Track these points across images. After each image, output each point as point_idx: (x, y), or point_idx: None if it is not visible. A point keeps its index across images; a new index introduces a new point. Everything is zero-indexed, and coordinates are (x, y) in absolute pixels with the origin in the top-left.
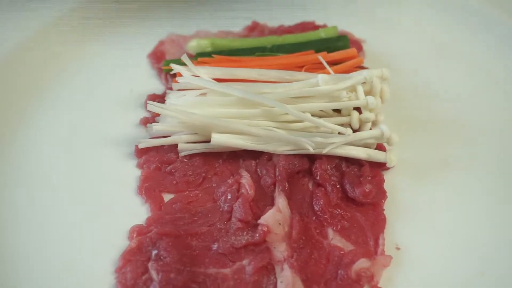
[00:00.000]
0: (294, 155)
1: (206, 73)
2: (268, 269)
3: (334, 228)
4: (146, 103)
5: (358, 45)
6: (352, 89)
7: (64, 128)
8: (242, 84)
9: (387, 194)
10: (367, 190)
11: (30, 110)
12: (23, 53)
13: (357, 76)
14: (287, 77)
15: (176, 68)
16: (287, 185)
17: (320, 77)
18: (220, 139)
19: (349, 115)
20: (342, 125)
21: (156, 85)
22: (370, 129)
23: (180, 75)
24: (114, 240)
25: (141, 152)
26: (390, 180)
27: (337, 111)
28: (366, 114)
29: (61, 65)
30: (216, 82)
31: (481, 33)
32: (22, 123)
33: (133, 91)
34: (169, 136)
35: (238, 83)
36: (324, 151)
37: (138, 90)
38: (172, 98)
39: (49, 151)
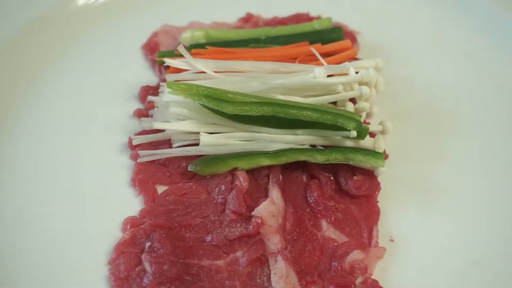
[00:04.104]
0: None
1: (201, 65)
2: (262, 261)
3: (328, 220)
4: (139, 95)
5: (352, 36)
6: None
7: (57, 120)
8: (237, 75)
9: (381, 186)
10: (355, 178)
11: (23, 101)
12: (14, 45)
13: (356, 75)
14: (281, 69)
15: (170, 63)
16: (281, 176)
17: (317, 70)
18: (209, 141)
19: (343, 106)
20: None
21: (150, 77)
22: (365, 121)
23: (175, 70)
24: (108, 232)
25: (134, 144)
26: (383, 172)
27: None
28: (361, 104)
29: (54, 57)
30: (214, 73)
31: (476, 24)
32: (14, 115)
33: (127, 81)
34: (163, 131)
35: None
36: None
37: (132, 82)
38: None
39: (42, 142)
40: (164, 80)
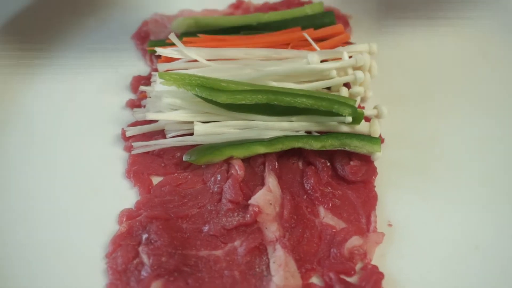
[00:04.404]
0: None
1: (193, 54)
2: (260, 249)
3: (326, 206)
4: (131, 85)
5: (344, 20)
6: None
7: (49, 111)
8: (230, 63)
9: (378, 170)
10: (352, 164)
11: (14, 93)
12: (3, 36)
13: (349, 60)
14: (274, 55)
15: (162, 52)
16: (276, 164)
17: (310, 55)
18: (203, 130)
19: (337, 91)
20: None
21: (141, 67)
22: (360, 106)
23: (167, 59)
24: (104, 225)
25: (128, 135)
26: (380, 157)
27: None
28: (355, 89)
29: (44, 48)
30: (207, 61)
31: (469, 5)
32: (6, 107)
33: (119, 71)
34: (156, 121)
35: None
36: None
37: (123, 72)
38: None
39: (34, 135)
40: (156, 70)
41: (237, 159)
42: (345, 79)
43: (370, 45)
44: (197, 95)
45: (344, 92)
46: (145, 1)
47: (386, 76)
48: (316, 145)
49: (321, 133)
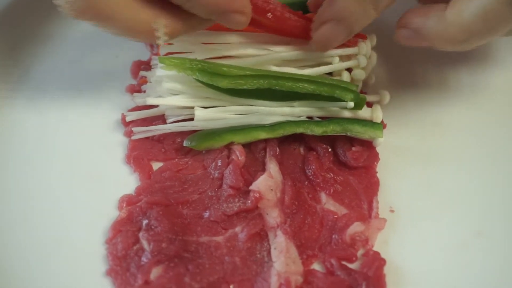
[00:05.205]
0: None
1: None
2: (261, 235)
3: (327, 192)
4: (131, 70)
5: None
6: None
7: (48, 98)
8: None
9: (380, 156)
10: (354, 149)
11: (10, 79)
12: (3, 21)
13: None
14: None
15: None
16: (278, 150)
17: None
18: (204, 115)
19: (339, 76)
20: None
21: (141, 51)
22: (362, 91)
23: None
24: (104, 211)
25: (128, 121)
26: (382, 142)
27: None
28: (357, 74)
29: (42, 35)
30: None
31: None
32: (3, 93)
33: (118, 57)
34: (156, 106)
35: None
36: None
37: (123, 57)
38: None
39: (31, 118)
40: (156, 54)
41: (238, 144)
42: (347, 64)
43: (370, 36)
44: (198, 80)
45: (346, 76)
46: None
47: (388, 61)
48: (317, 130)
49: (323, 118)
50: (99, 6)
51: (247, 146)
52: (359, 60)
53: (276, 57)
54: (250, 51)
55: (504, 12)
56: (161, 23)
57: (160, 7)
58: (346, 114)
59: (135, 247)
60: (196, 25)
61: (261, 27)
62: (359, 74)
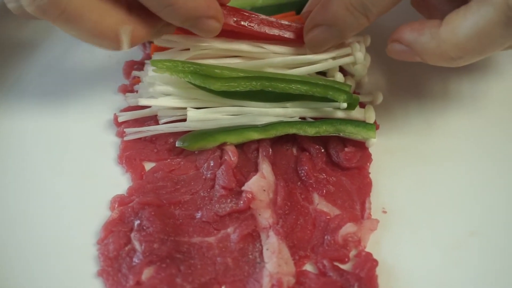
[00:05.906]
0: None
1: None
2: (253, 236)
3: (320, 193)
4: (124, 70)
5: None
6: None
7: (40, 98)
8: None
9: (372, 157)
10: (346, 150)
11: (5, 82)
12: None
13: (346, 48)
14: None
15: None
16: (270, 150)
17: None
18: (196, 116)
19: (333, 77)
20: None
21: (134, 51)
22: (355, 91)
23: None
24: (96, 211)
25: (120, 121)
26: (374, 143)
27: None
28: (358, 68)
29: (34, 34)
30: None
31: None
32: None
33: (111, 57)
34: (149, 107)
35: None
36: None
37: (116, 57)
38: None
39: (24, 119)
40: (149, 54)
41: (231, 145)
42: (342, 61)
43: (364, 36)
44: (190, 83)
45: (339, 77)
46: None
47: (380, 62)
48: (310, 131)
49: (316, 119)
50: (66, 5)
51: (240, 146)
52: (355, 56)
53: (270, 56)
54: (244, 47)
55: (499, 33)
56: (128, 29)
57: (126, 11)
58: (339, 114)
59: (126, 248)
60: (162, 31)
61: (244, 34)
62: (361, 68)
